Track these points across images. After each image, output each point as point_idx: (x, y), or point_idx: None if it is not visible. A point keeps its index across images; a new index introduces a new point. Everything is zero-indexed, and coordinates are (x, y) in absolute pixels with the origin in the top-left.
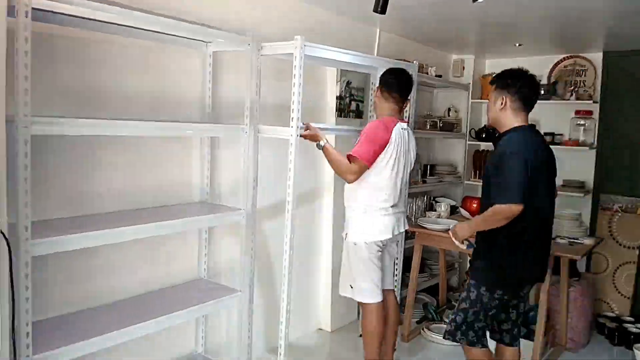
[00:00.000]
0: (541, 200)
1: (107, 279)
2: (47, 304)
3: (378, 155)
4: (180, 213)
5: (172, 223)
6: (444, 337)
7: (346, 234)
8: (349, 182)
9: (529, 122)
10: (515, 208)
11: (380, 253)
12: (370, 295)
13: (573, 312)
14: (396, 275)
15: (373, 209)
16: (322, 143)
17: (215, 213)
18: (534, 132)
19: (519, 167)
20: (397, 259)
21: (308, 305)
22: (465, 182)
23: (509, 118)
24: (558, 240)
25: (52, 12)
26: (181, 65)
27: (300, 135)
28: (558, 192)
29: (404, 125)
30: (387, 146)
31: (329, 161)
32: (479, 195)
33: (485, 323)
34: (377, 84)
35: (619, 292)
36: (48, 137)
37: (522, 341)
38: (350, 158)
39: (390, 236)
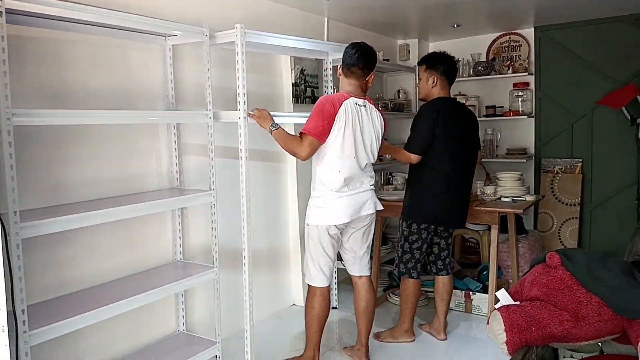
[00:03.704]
0: (455, 157)
1: (89, 265)
2: (35, 289)
3: (329, 130)
4: (154, 197)
5: (147, 204)
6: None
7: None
8: (301, 159)
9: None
10: (415, 157)
11: (333, 239)
12: (314, 278)
13: (523, 266)
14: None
15: (328, 190)
16: (272, 127)
17: (187, 195)
18: (453, 102)
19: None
20: (369, 244)
21: (282, 282)
22: None
23: (437, 92)
24: (503, 199)
25: (21, 13)
26: (143, 60)
27: (249, 115)
28: (504, 160)
29: (360, 101)
30: (335, 120)
31: (281, 145)
32: None
33: (411, 255)
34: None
35: (564, 246)
36: (23, 132)
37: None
38: (300, 135)
39: (346, 220)
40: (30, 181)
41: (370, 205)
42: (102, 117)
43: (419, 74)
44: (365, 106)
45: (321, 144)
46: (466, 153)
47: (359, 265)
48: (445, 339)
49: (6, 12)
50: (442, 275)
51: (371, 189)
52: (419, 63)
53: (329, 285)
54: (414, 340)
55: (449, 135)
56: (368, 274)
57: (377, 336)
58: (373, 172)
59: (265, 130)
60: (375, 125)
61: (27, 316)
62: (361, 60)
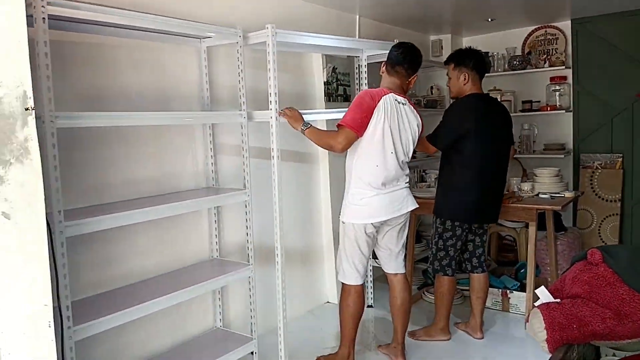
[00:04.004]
0: (487, 153)
1: (129, 263)
2: (78, 286)
3: (367, 124)
4: (191, 196)
5: (185, 203)
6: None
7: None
8: (337, 151)
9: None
10: (433, 150)
11: (369, 237)
12: (348, 276)
13: (562, 263)
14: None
15: (366, 186)
16: (303, 127)
17: (223, 194)
18: (486, 98)
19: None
20: (404, 241)
21: (316, 279)
22: None
23: (468, 89)
24: (540, 195)
25: (62, 19)
26: (179, 62)
27: (280, 114)
28: (541, 156)
29: (400, 98)
30: (374, 114)
31: (315, 142)
32: None
33: (445, 252)
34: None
35: (604, 243)
36: (65, 134)
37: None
38: (338, 127)
39: (384, 219)
40: (73, 181)
41: (407, 204)
42: (140, 118)
43: (447, 74)
44: (404, 104)
45: (358, 137)
46: (499, 149)
47: (394, 263)
48: (482, 338)
49: (48, 19)
50: (477, 273)
51: (406, 187)
52: (447, 62)
53: (363, 283)
54: (449, 338)
55: (482, 132)
56: (403, 271)
57: (412, 334)
58: (408, 170)
59: (297, 130)
60: (413, 125)
61: (71, 312)
62: (406, 61)
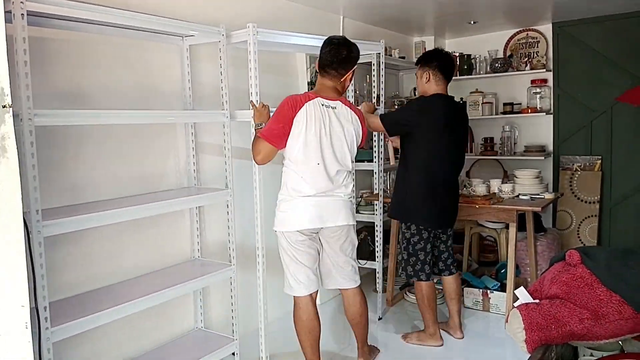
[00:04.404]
0: (443, 156)
1: (109, 263)
2: (56, 287)
3: (286, 134)
4: (172, 196)
5: (165, 203)
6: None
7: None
8: (256, 163)
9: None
10: (380, 127)
11: (303, 245)
12: (293, 288)
13: (542, 264)
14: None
15: (293, 193)
16: (258, 125)
17: (204, 194)
18: (447, 99)
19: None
20: (350, 257)
21: None
22: None
23: (432, 89)
24: (521, 197)
25: (41, 15)
26: (161, 61)
27: (251, 103)
28: (522, 158)
29: (328, 102)
30: (294, 125)
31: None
32: None
33: (416, 257)
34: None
35: (583, 244)
36: (44, 132)
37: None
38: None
39: (308, 227)
40: (52, 180)
41: (339, 217)
42: (121, 117)
43: (415, 73)
44: (334, 107)
45: (278, 149)
46: (455, 152)
47: (340, 279)
48: (462, 338)
49: (27, 15)
50: (445, 275)
51: (344, 199)
52: (416, 63)
53: (313, 293)
54: (442, 344)
55: (439, 133)
56: (352, 286)
57: (404, 337)
58: (349, 182)
59: (253, 124)
60: (348, 129)
61: (49, 313)
62: (335, 61)
